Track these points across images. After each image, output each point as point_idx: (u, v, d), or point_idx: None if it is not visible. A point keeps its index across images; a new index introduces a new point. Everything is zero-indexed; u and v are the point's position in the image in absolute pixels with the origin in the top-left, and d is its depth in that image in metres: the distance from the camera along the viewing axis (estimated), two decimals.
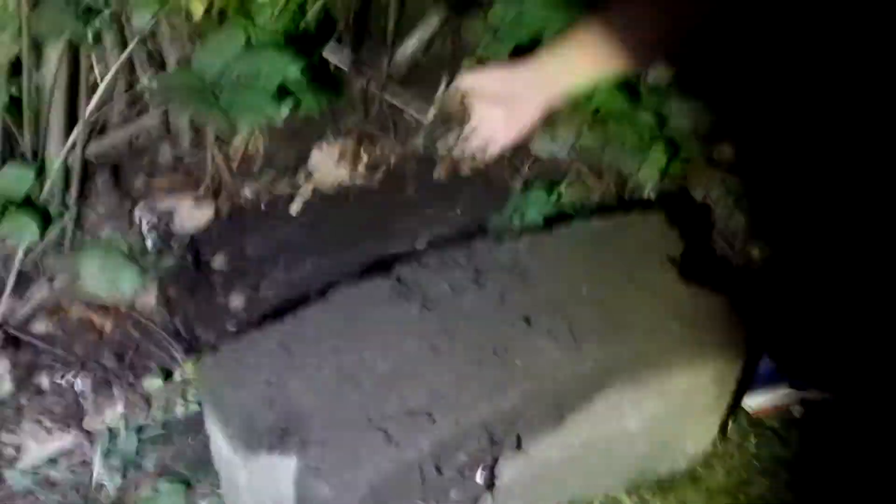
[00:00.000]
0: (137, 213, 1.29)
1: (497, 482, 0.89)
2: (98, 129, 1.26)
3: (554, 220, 1.29)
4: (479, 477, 0.85)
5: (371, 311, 0.95)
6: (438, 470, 0.83)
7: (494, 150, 0.94)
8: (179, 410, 1.18)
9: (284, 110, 1.24)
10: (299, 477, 0.82)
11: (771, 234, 1.38)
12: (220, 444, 0.94)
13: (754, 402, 1.14)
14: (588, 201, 1.40)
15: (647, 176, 1.36)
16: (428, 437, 0.83)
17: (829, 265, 1.13)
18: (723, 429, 1.07)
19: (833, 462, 1.08)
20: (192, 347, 1.23)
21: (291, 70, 1.12)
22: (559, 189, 1.41)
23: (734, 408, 1.07)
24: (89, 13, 1.06)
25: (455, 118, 0.94)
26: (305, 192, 1.43)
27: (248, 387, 0.89)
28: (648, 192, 1.41)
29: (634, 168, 1.37)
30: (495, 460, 0.87)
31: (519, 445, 0.88)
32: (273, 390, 0.88)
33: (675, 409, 0.97)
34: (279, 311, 0.98)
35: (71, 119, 1.17)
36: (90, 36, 1.09)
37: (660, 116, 1.43)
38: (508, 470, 0.90)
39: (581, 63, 0.88)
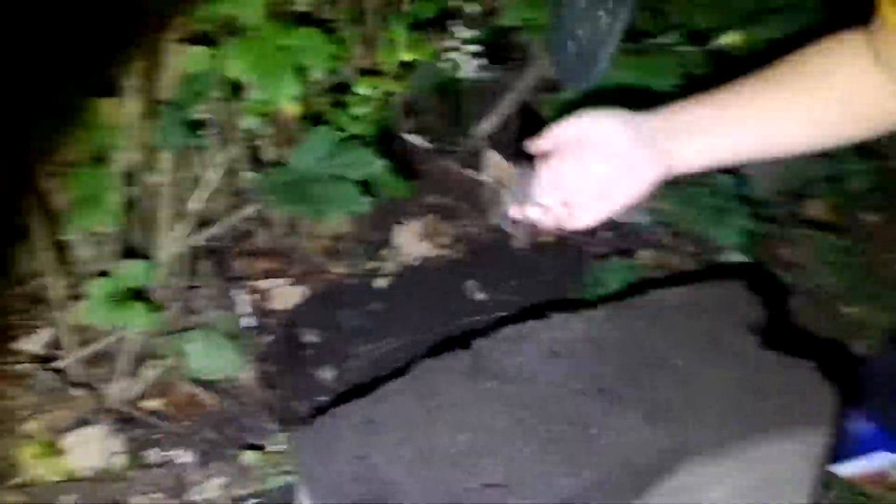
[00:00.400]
0: (237, 294, 1.39)
1: None
2: (204, 222, 1.37)
3: (634, 288, 1.30)
4: None
5: (449, 386, 0.98)
6: None
7: (575, 227, 0.84)
8: (273, 481, 1.24)
9: (369, 199, 1.33)
10: None
11: (866, 293, 1.33)
12: None
13: (849, 468, 1.08)
14: (669, 267, 1.40)
15: (727, 240, 1.35)
16: None
17: None
18: (814, 499, 1.03)
19: None
20: (286, 419, 1.29)
21: (377, 162, 1.20)
22: (639, 256, 1.42)
23: (824, 476, 1.02)
24: (198, 125, 1.18)
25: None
26: (391, 267, 1.50)
27: (336, 460, 0.93)
28: (731, 255, 1.39)
29: (715, 231, 1.36)
30: None
31: None
32: (360, 464, 0.92)
33: (760, 480, 0.94)
34: (366, 385, 1.03)
35: (179, 214, 1.28)
36: (200, 142, 1.21)
37: (738, 176, 1.42)
38: None
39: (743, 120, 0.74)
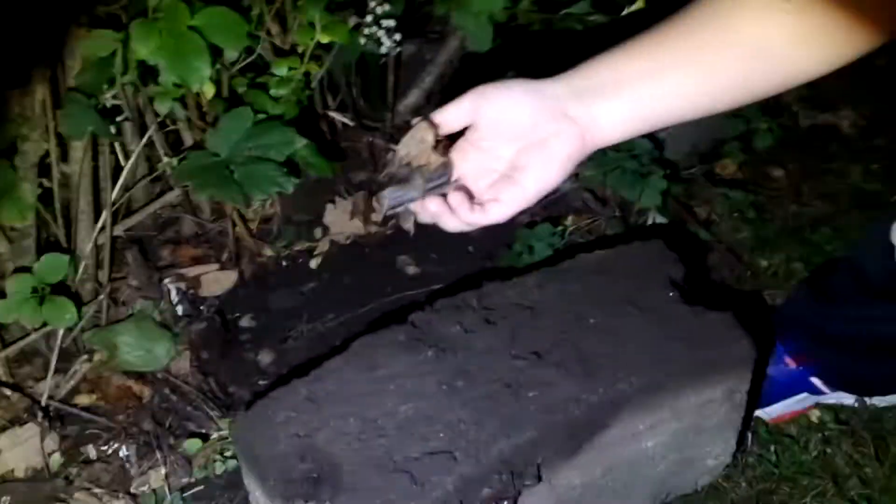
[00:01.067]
0: (166, 283, 1.36)
1: None
2: (125, 210, 1.34)
3: (562, 253, 1.33)
4: None
5: (389, 359, 0.99)
6: None
7: (486, 221, 0.72)
8: (219, 467, 1.23)
9: (295, 180, 1.32)
10: None
11: (779, 245, 1.41)
12: (259, 497, 0.98)
13: (772, 410, 1.15)
14: (596, 231, 1.44)
15: (650, 201, 1.40)
16: (451, 476, 0.86)
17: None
18: (741, 441, 1.09)
19: (855, 464, 1.09)
20: (227, 406, 1.28)
21: (299, 142, 1.18)
22: (565, 221, 1.45)
23: (750, 420, 1.09)
24: (110, 110, 1.14)
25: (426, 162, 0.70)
26: (323, 246, 1.49)
27: (280, 441, 0.94)
28: (653, 216, 1.45)
29: (636, 194, 1.41)
30: (518, 493, 0.90)
31: (539, 476, 0.91)
32: (303, 442, 0.93)
33: (690, 427, 1.00)
34: (304, 365, 1.04)
35: (98, 204, 1.24)
36: (112, 129, 1.17)
37: (656, 140, 1.47)
38: (532, 500, 0.93)
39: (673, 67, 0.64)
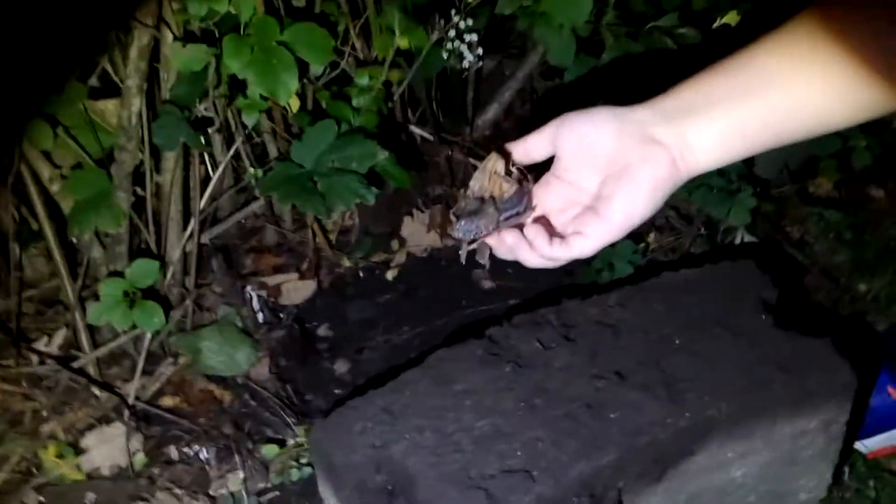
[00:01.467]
0: (248, 290, 1.39)
1: None
2: (211, 219, 1.37)
3: (644, 271, 1.29)
4: None
5: (466, 373, 0.98)
6: None
7: (570, 256, 0.65)
8: (294, 474, 1.24)
9: (375, 191, 1.32)
10: None
11: (878, 268, 1.33)
12: None
13: (871, 443, 1.08)
14: (679, 250, 1.39)
15: (738, 219, 1.34)
16: (528, 496, 0.84)
17: None
18: (837, 475, 1.02)
19: None
20: (303, 413, 1.30)
21: (381, 154, 1.19)
22: (647, 238, 1.41)
23: (848, 453, 1.02)
24: (201, 122, 1.17)
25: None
26: (400, 258, 1.49)
27: (356, 451, 0.93)
28: (741, 235, 1.39)
29: (724, 211, 1.35)
30: None
31: (620, 501, 0.87)
32: (379, 453, 0.92)
33: (782, 457, 0.94)
34: (381, 376, 1.03)
35: (187, 212, 1.28)
36: (202, 140, 1.20)
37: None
38: None
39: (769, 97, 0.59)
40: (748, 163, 1.42)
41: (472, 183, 0.69)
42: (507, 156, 0.67)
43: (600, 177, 0.64)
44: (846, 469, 1.05)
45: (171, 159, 1.21)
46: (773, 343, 0.94)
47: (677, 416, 0.88)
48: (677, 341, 0.96)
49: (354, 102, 1.27)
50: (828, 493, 1.02)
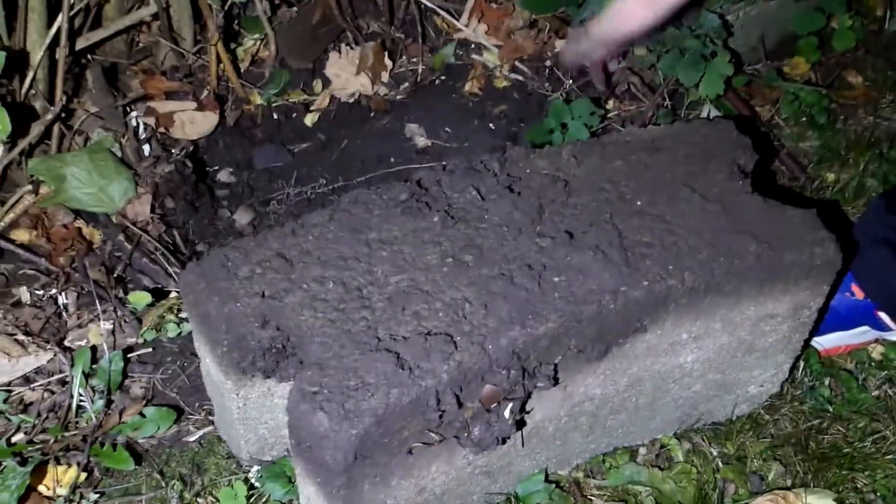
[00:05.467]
0: (133, 116, 1.15)
1: (528, 420, 0.74)
2: (91, 22, 1.11)
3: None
4: (507, 412, 0.70)
5: (384, 221, 0.80)
6: (459, 402, 0.68)
7: (629, 28, 0.84)
8: (171, 329, 1.05)
9: None
10: (294, 404, 0.68)
11: (850, 158, 1.19)
12: (210, 365, 0.80)
13: (825, 340, 0.97)
14: (639, 119, 1.22)
15: (709, 88, 1.17)
16: (446, 364, 0.68)
17: None
18: (792, 370, 0.91)
19: None
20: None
21: None
22: (605, 104, 1.23)
23: (803, 348, 0.90)
24: None
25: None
26: (322, 101, 1.27)
27: (238, 300, 0.75)
28: (709, 110, 1.23)
29: (694, 78, 1.18)
30: (527, 395, 0.71)
31: (555, 379, 0.72)
32: (268, 305, 0.74)
33: (740, 343, 0.81)
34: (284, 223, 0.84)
35: (56, 7, 1.01)
36: None
37: (726, 22, 1.23)
38: (542, 407, 0.75)
39: None
40: (727, 28, 1.24)
41: None
42: None
43: None
44: (801, 364, 0.94)
45: None
46: (748, 210, 0.79)
47: (632, 284, 0.73)
48: (638, 202, 0.80)
49: None
50: (780, 388, 0.90)
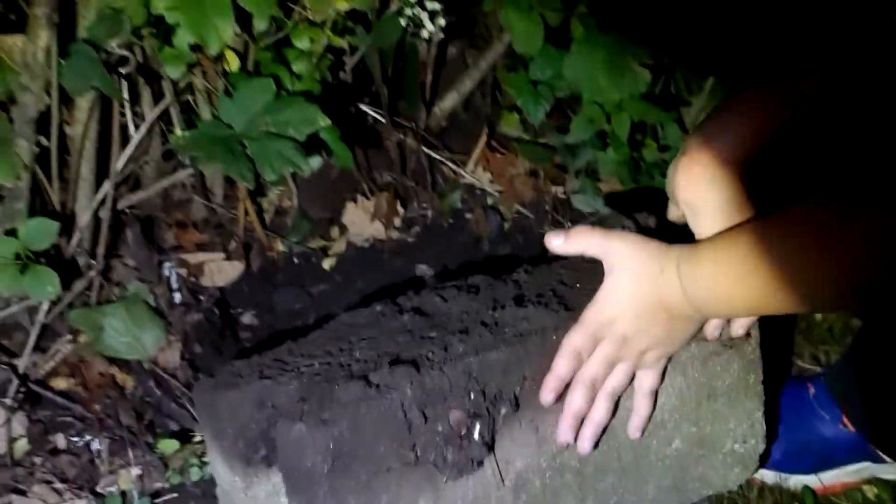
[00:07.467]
0: (166, 267, 1.43)
1: (509, 469, 0.90)
2: (132, 183, 1.41)
3: None
4: (476, 434, 0.86)
5: (368, 328, 1.01)
6: (424, 417, 0.86)
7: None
8: (195, 473, 1.25)
9: (313, 162, 1.36)
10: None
11: None
12: (219, 469, 0.98)
13: (825, 477, 1.10)
14: None
15: None
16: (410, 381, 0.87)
17: None
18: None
19: None
20: None
21: (322, 121, 1.21)
22: None
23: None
24: (118, 63, 1.20)
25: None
26: (339, 247, 1.55)
27: (240, 388, 0.95)
28: None
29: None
30: (492, 418, 0.88)
31: (517, 405, 0.90)
32: (263, 385, 0.94)
33: (700, 387, 0.97)
34: None
35: (102, 172, 1.31)
36: (124, 90, 1.24)
37: None
38: (519, 453, 0.91)
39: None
40: None
41: None
42: None
43: None
44: None
45: (83, 109, 1.24)
46: None
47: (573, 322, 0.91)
48: (579, 284, 1.01)
49: (295, 68, 1.30)
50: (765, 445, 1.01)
